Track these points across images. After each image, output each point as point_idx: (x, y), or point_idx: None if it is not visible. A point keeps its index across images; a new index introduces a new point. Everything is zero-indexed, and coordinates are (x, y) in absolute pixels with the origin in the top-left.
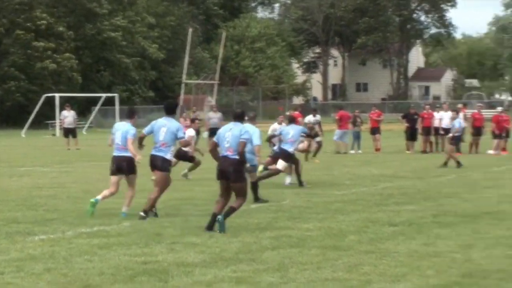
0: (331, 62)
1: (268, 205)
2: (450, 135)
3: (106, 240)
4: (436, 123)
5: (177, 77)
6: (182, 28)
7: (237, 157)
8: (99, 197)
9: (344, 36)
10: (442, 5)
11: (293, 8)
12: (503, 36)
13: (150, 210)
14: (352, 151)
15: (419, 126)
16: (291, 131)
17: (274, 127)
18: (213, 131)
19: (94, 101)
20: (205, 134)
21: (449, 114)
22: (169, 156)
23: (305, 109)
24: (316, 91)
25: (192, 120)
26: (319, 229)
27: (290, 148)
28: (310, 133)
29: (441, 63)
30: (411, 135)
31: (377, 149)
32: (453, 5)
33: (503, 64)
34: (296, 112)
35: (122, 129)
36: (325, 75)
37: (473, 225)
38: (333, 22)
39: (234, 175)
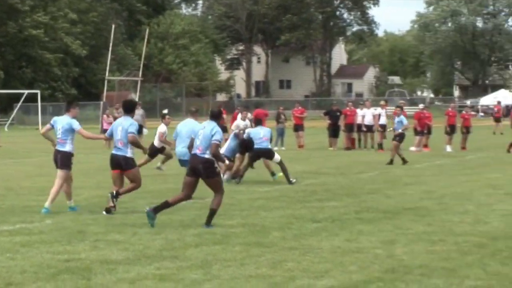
0: (254, 59)
1: (192, 202)
2: (395, 130)
3: (28, 238)
4: (358, 120)
5: (100, 73)
6: (105, 25)
7: (206, 155)
8: (61, 203)
9: (268, 33)
10: (365, 3)
11: (216, 5)
12: (424, 34)
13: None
14: (276, 148)
15: (341, 123)
16: (261, 131)
17: (238, 123)
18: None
19: (16, 97)
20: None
21: (372, 111)
22: (129, 153)
23: (228, 106)
24: (240, 88)
25: (163, 116)
26: (242, 226)
27: (267, 145)
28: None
29: (365, 60)
30: (333, 132)
31: (300, 146)
32: (376, 3)
33: (425, 61)
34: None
35: (62, 122)
36: (248, 72)
37: (395, 221)
38: (256, 19)
39: (205, 172)
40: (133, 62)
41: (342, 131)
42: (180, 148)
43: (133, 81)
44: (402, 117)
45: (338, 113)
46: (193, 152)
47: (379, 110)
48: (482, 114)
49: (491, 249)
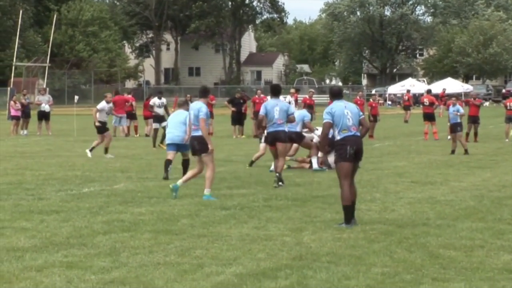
0: (163, 46)
1: (100, 189)
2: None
3: None
4: None
5: (8, 60)
6: (13, 10)
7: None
8: None
9: (177, 20)
10: None
11: None
12: (333, 23)
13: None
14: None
15: (250, 110)
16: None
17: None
18: (42, 114)
19: None
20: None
21: (282, 98)
22: (286, 128)
23: (137, 93)
24: (149, 75)
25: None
26: (151, 213)
27: None
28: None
29: (275, 48)
30: (237, 119)
31: (210, 134)
32: None
33: (333, 50)
34: (130, 96)
35: None
36: (157, 59)
37: (304, 209)
38: (166, 6)
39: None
40: (42, 50)
41: (251, 119)
42: (178, 133)
43: (41, 68)
44: (458, 106)
45: (242, 101)
46: (351, 133)
47: (288, 98)
48: (390, 102)
49: (398, 237)
